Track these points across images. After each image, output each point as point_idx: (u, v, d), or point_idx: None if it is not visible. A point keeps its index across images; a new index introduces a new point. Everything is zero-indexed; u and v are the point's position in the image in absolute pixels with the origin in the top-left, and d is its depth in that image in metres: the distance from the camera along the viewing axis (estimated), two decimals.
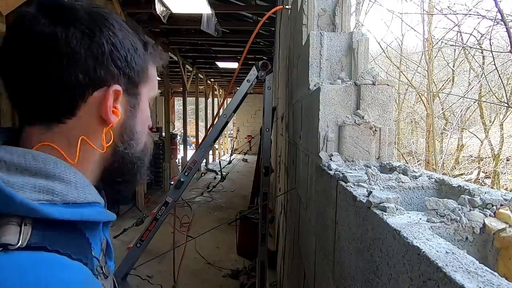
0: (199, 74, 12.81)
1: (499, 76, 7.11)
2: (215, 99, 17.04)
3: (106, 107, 0.52)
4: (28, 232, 0.42)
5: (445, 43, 9.05)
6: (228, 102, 2.84)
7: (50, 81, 0.49)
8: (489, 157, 9.95)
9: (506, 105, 7.37)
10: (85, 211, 0.49)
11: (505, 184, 9.02)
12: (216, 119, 2.74)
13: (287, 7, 2.64)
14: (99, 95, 0.52)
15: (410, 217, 0.58)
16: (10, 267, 0.39)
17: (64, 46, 0.48)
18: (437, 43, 9.47)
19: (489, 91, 8.79)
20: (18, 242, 0.41)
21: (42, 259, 0.42)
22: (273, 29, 6.87)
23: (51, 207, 0.44)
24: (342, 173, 0.85)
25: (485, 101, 9.19)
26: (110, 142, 0.55)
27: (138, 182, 0.64)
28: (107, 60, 0.51)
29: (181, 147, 12.36)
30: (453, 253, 0.42)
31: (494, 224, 0.54)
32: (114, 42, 0.52)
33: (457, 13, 7.63)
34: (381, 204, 0.61)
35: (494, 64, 6.31)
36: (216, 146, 16.87)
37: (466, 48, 8.63)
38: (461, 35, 8.54)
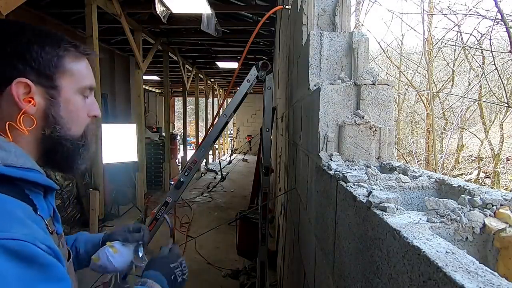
0: (199, 74, 12.80)
1: (499, 76, 7.11)
2: (215, 99, 17.03)
3: (17, 97, 0.64)
4: None
5: (445, 43, 9.05)
6: (228, 102, 2.83)
7: None
8: (489, 157, 9.95)
9: (506, 105, 7.36)
10: (24, 172, 0.60)
11: (505, 184, 9.02)
12: (216, 119, 2.74)
13: (287, 7, 2.64)
14: (12, 87, 0.64)
15: (410, 217, 0.58)
16: None
17: None
18: (437, 43, 9.47)
19: (489, 91, 8.79)
20: None
21: None
22: (273, 29, 6.86)
23: None
24: (342, 173, 0.85)
25: (485, 101, 9.19)
26: (33, 126, 0.67)
27: (74, 163, 0.75)
28: (14, 59, 0.64)
29: (181, 147, 12.36)
30: (453, 253, 0.42)
31: (494, 224, 0.54)
32: (23, 45, 0.65)
33: (457, 13, 7.64)
34: (381, 204, 0.61)
35: (494, 64, 6.31)
36: (216, 146, 16.86)
37: (466, 48, 8.63)
38: (461, 35, 8.54)
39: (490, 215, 0.56)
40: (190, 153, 9.79)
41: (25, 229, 0.53)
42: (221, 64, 10.72)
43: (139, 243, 1.10)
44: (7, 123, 0.64)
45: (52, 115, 0.69)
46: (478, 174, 9.88)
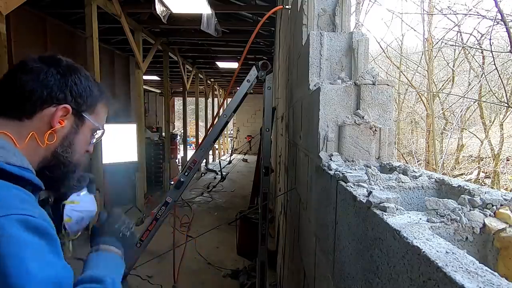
0: (199, 74, 12.80)
1: (499, 76, 7.11)
2: (215, 99, 17.03)
3: (54, 117, 0.79)
4: None
5: (445, 43, 9.04)
6: (228, 102, 2.83)
7: (26, 91, 0.77)
8: (489, 157, 9.96)
9: (506, 105, 7.37)
10: (23, 172, 0.68)
11: (505, 184, 9.02)
12: (216, 119, 2.73)
13: (287, 7, 2.64)
14: (53, 109, 0.79)
15: (410, 217, 0.58)
16: None
17: (42, 74, 0.79)
18: (437, 43, 9.47)
19: (489, 91, 8.79)
20: None
21: None
22: (273, 29, 6.86)
23: None
24: (342, 173, 0.85)
25: (485, 101, 9.19)
26: (53, 142, 0.80)
27: (65, 182, 0.87)
28: (66, 89, 0.81)
29: (181, 147, 12.35)
30: (453, 253, 0.42)
31: (494, 224, 0.54)
32: (77, 82, 0.83)
33: (457, 13, 7.63)
34: (381, 204, 0.61)
35: (494, 64, 6.30)
36: (216, 146, 16.86)
37: (466, 48, 8.63)
38: (461, 35, 8.53)
39: (490, 215, 0.56)
40: (190, 153, 9.79)
41: (35, 209, 0.64)
42: (221, 64, 10.72)
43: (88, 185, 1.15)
44: (31, 133, 0.77)
45: (69, 140, 0.84)
46: (478, 174, 9.88)
